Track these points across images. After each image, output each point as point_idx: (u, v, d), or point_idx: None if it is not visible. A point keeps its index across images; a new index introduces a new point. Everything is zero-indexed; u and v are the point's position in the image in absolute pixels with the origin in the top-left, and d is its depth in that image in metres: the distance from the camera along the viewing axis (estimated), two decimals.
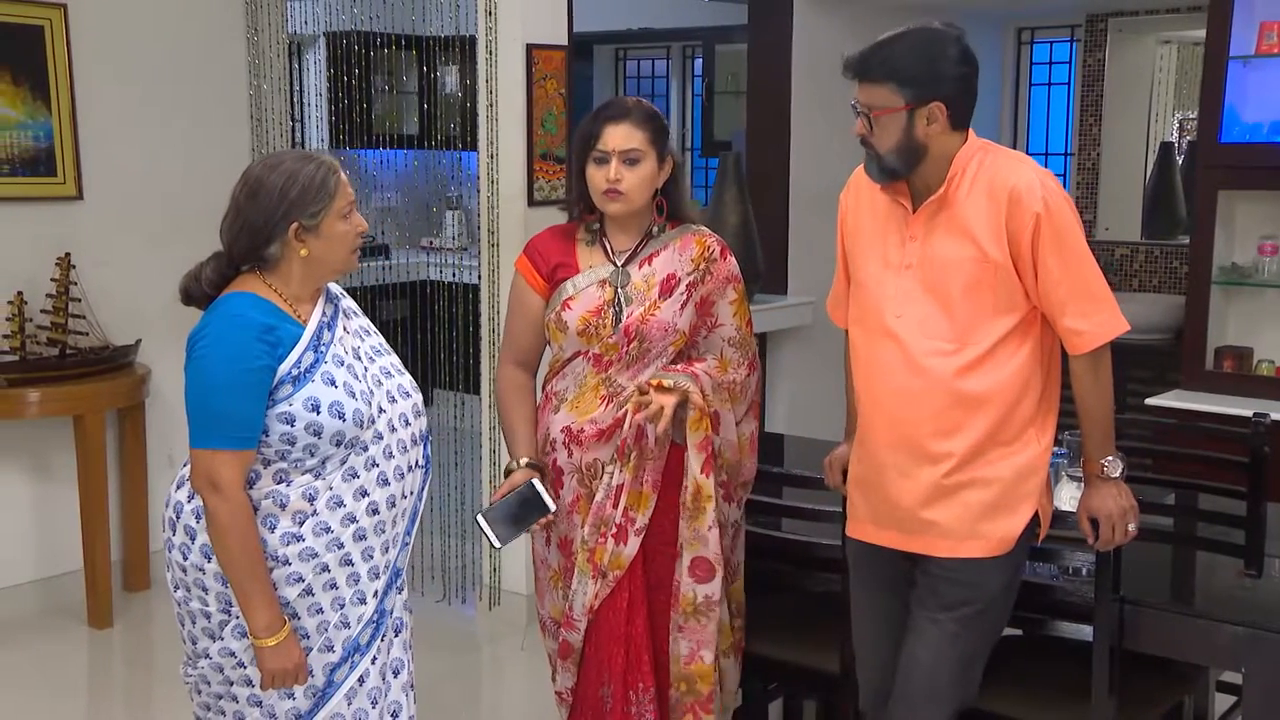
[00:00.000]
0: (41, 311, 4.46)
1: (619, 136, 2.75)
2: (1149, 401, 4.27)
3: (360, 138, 6.80)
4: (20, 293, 4.40)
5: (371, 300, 5.19)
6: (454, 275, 5.41)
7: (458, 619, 4.66)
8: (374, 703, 2.39)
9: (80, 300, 4.53)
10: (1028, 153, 6.93)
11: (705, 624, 2.81)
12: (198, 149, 4.91)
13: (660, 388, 2.73)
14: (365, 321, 2.53)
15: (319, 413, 2.26)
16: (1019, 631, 3.01)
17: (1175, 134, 6.44)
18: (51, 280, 4.46)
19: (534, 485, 2.75)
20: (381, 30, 4.93)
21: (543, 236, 2.93)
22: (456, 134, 5.22)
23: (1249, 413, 3.34)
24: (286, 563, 2.29)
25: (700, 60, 7.79)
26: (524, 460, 2.84)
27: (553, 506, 2.76)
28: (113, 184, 4.77)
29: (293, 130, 6.50)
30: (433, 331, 4.86)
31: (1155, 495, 3.38)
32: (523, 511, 2.75)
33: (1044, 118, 6.94)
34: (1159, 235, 6.41)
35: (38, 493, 4.69)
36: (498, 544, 2.77)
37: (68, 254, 4.47)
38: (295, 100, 7.23)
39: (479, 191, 4.41)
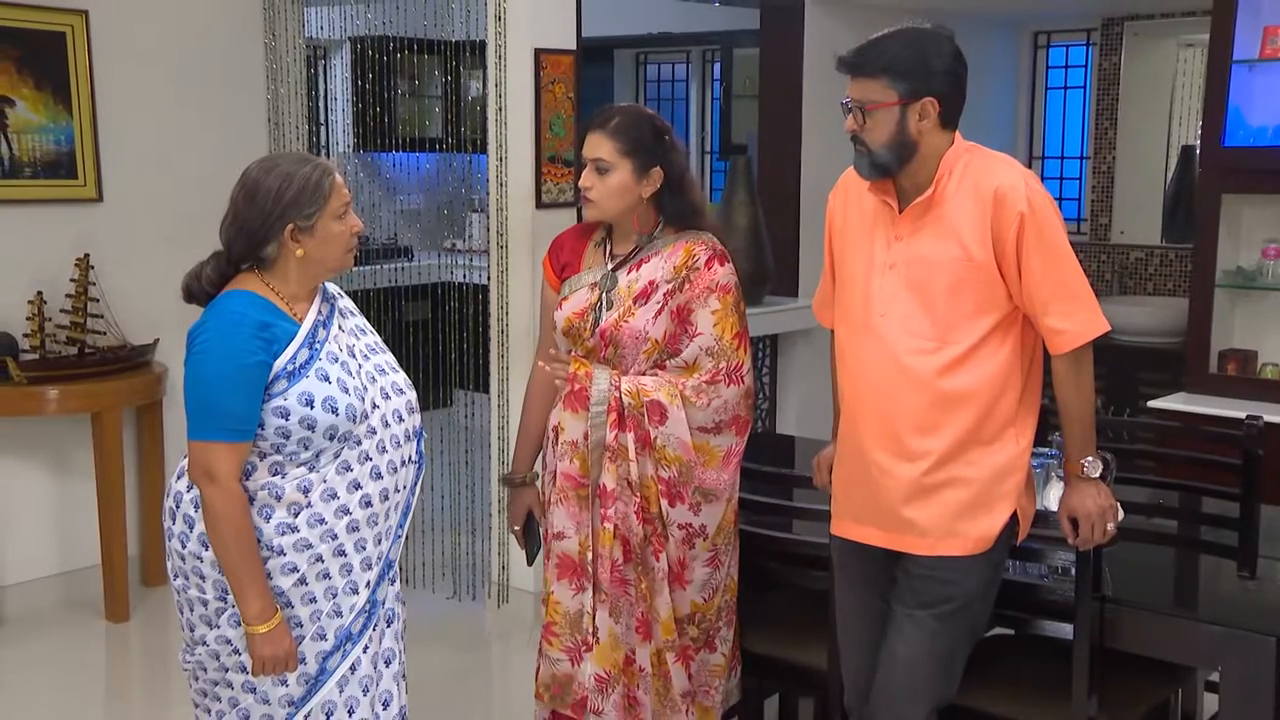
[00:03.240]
0: (61, 311, 4.56)
1: (591, 144, 2.84)
2: (1151, 404, 4.28)
3: (384, 141, 6.89)
4: (40, 292, 4.50)
5: (394, 301, 5.28)
6: (465, 276, 5.47)
7: (468, 615, 4.72)
8: (365, 690, 2.45)
9: (99, 300, 4.62)
10: (1044, 156, 6.97)
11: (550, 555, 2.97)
12: (216, 152, 4.99)
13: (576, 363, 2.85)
14: (362, 321, 2.60)
15: (313, 407, 2.33)
16: (1011, 631, 3.04)
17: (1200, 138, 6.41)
18: (71, 280, 4.55)
19: (532, 520, 3.08)
20: (405, 35, 5.01)
21: (564, 234, 3.04)
22: (479, 137, 5.27)
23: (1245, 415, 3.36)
24: (281, 553, 2.35)
25: (719, 64, 7.84)
26: (523, 476, 3.04)
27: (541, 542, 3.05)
28: (132, 186, 4.87)
29: (316, 133, 6.60)
30: (453, 332, 4.92)
31: (1152, 497, 3.41)
32: (529, 545, 3.11)
33: (1060, 121, 6.94)
34: (1179, 239, 6.39)
35: (57, 489, 4.79)
36: (529, 564, 3.19)
37: (86, 255, 4.57)
38: (321, 104, 7.35)
39: (488, 194, 4.48)
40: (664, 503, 2.83)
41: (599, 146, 2.81)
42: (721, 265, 2.86)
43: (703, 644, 2.95)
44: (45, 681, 4.20)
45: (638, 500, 2.82)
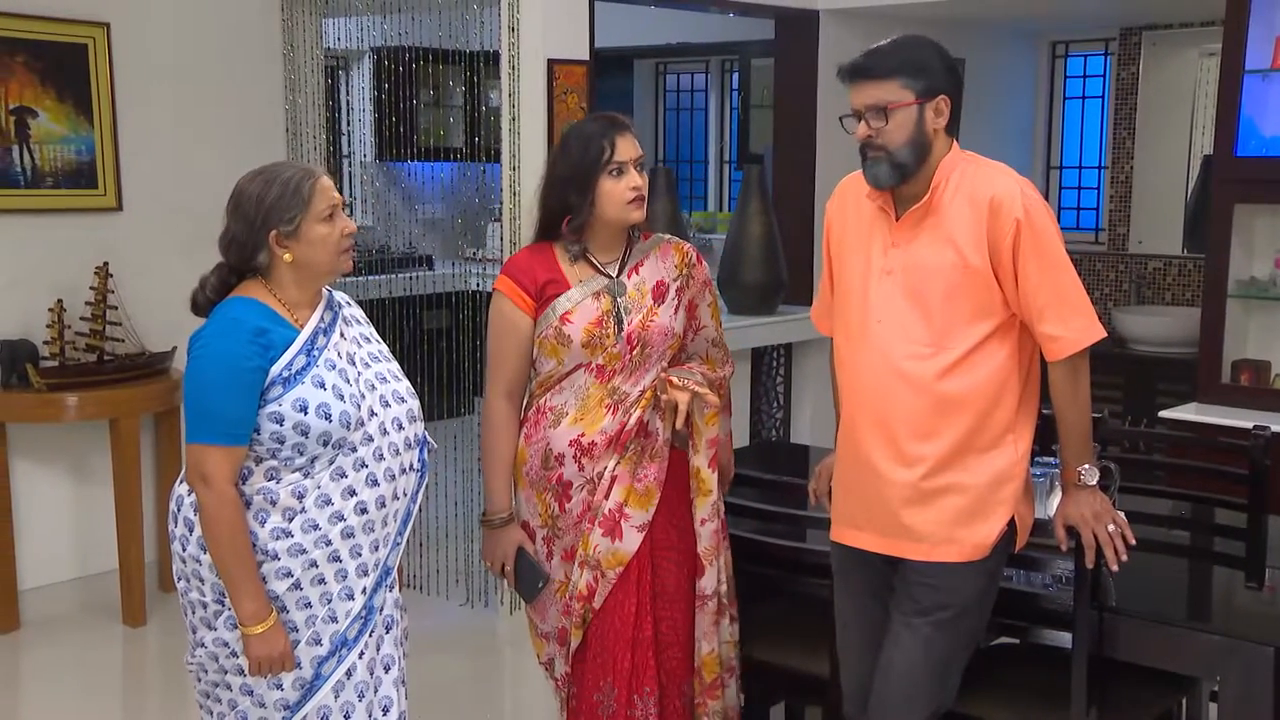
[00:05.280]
0: (81, 319, 4.62)
1: (630, 146, 2.82)
2: (1163, 414, 4.27)
3: (405, 150, 6.95)
4: (61, 300, 4.56)
5: (413, 310, 5.32)
6: (479, 285, 5.50)
7: (480, 622, 4.74)
8: (361, 696, 2.47)
9: (118, 308, 4.68)
10: (1062, 166, 6.96)
11: (701, 618, 2.91)
12: (234, 162, 4.94)
13: (674, 385, 2.83)
14: (368, 330, 2.63)
15: (307, 413, 2.36)
16: (1016, 640, 3.04)
17: None
18: (91, 288, 4.61)
19: (526, 555, 2.91)
20: (427, 46, 5.05)
21: (521, 257, 2.93)
22: (499, 147, 5.32)
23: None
24: (276, 557, 2.38)
25: (737, 74, 7.87)
26: (506, 515, 2.93)
27: (548, 572, 2.92)
28: (151, 196, 4.94)
29: (337, 143, 6.64)
30: (471, 340, 4.94)
31: (1160, 508, 3.41)
32: (527, 580, 2.92)
33: (1078, 131, 6.93)
34: (1201, 249, 6.35)
35: (76, 494, 4.86)
36: (529, 601, 2.98)
37: (106, 263, 4.63)
38: (344, 114, 7.41)
39: (502, 203, 4.52)
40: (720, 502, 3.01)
41: (636, 146, 2.84)
42: (704, 261, 3.04)
43: None
44: (63, 684, 4.25)
45: None
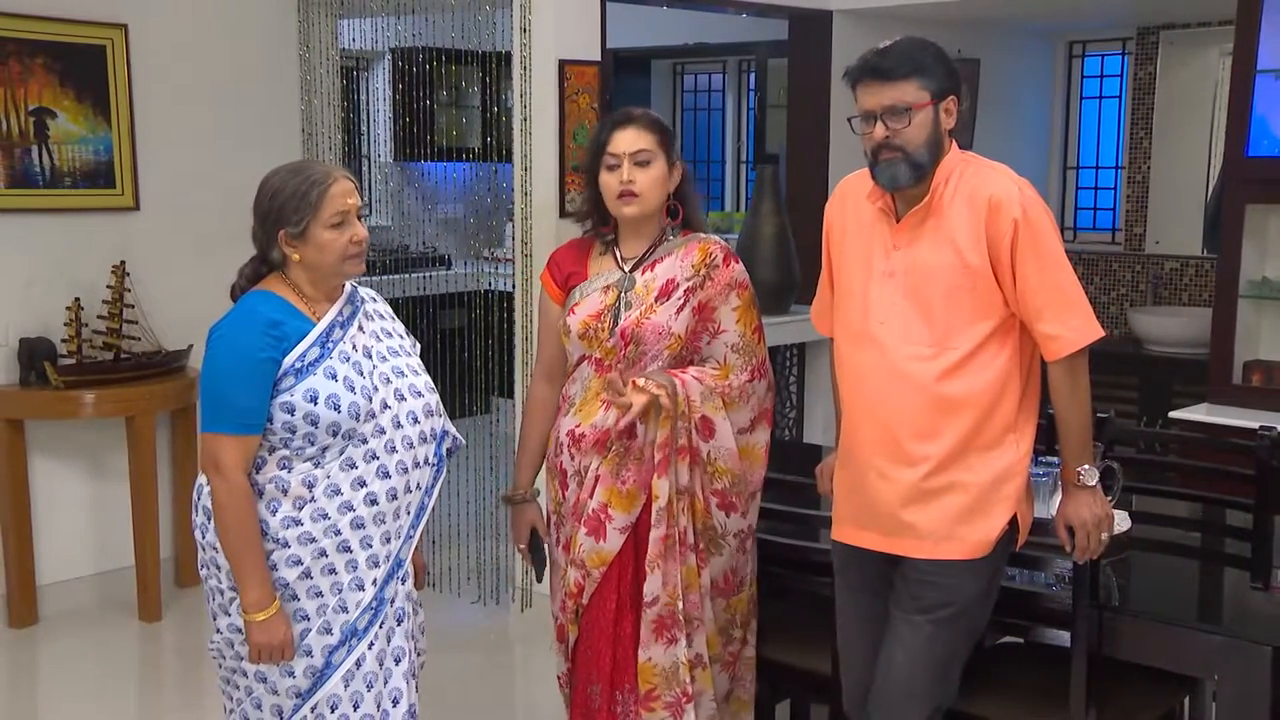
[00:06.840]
0: (98, 317, 4.67)
1: (628, 139, 2.84)
2: (1173, 414, 4.26)
3: (424, 150, 7.00)
4: (78, 299, 4.61)
5: (431, 309, 5.35)
6: (493, 284, 5.54)
7: (492, 619, 4.77)
8: (370, 686, 2.50)
9: (135, 307, 4.73)
10: (1079, 166, 6.93)
11: (641, 624, 2.87)
12: (250, 162, 4.99)
13: (635, 387, 2.79)
14: (390, 324, 2.67)
15: (316, 403, 2.40)
16: (1020, 640, 3.05)
17: None
18: (108, 287, 4.66)
19: (537, 535, 3.05)
20: (444, 46, 5.09)
21: (563, 248, 3.05)
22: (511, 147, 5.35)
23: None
24: (286, 545, 2.43)
25: (754, 74, 7.87)
26: (524, 492, 3.02)
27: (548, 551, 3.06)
28: (168, 196, 4.99)
29: (354, 143, 6.68)
30: (486, 340, 4.97)
31: (1168, 508, 3.41)
32: (537, 559, 3.08)
33: (1095, 131, 6.90)
34: (1219, 249, 6.31)
35: (93, 491, 4.91)
36: (538, 580, 3.18)
37: (123, 262, 4.68)
38: (363, 114, 7.46)
39: (514, 203, 4.54)
40: (721, 514, 2.89)
41: (638, 139, 2.84)
42: (737, 263, 2.94)
43: (742, 641, 3.01)
44: (80, 679, 4.30)
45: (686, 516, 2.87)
